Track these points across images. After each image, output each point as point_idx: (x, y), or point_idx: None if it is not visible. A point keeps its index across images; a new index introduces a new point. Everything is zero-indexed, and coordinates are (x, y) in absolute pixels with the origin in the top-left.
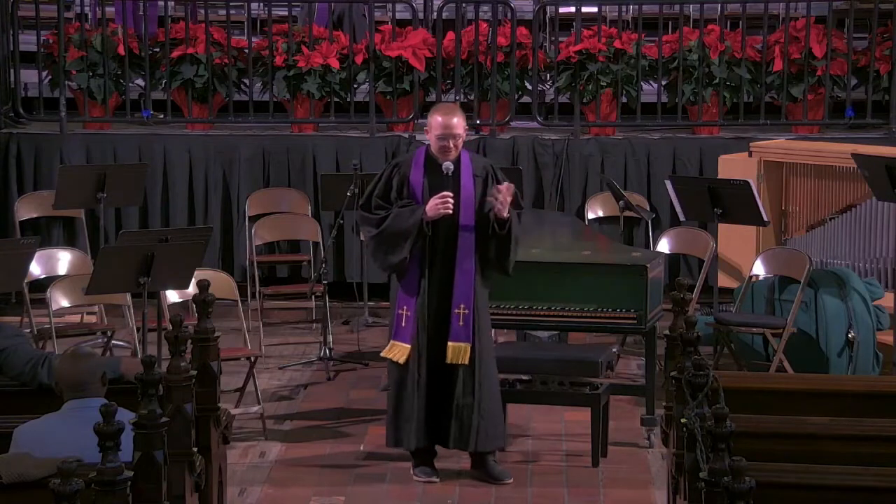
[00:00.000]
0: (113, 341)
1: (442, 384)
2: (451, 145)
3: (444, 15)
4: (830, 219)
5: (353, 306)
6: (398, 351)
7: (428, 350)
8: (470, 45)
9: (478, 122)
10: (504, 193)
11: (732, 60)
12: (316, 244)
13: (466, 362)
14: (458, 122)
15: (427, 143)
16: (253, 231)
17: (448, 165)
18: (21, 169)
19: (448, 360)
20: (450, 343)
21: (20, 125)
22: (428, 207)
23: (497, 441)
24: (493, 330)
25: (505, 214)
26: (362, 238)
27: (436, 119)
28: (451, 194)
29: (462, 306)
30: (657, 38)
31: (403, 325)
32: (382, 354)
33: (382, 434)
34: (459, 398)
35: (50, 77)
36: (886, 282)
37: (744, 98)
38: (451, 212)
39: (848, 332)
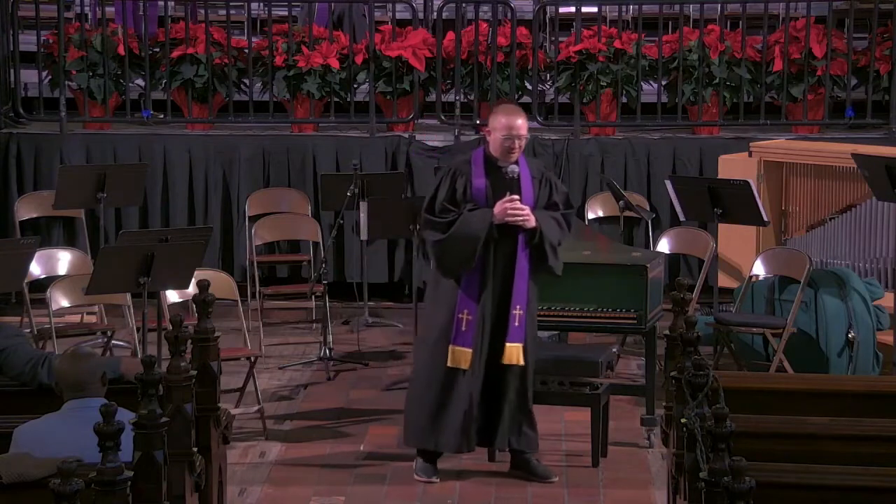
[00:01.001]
0: (113, 341)
1: (492, 385)
2: (516, 146)
3: (444, 15)
4: (830, 219)
5: (353, 306)
6: (461, 356)
7: (486, 352)
8: (470, 45)
9: (478, 122)
10: (515, 208)
11: (732, 60)
12: (316, 244)
13: (522, 362)
14: (523, 123)
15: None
16: (253, 231)
17: (513, 169)
18: (21, 169)
19: (505, 361)
20: (508, 344)
21: (20, 125)
22: (497, 211)
23: (537, 441)
24: None
25: (530, 225)
26: (431, 238)
27: (500, 119)
28: (517, 197)
29: (518, 307)
30: (657, 38)
31: (464, 329)
32: (449, 364)
33: (382, 434)
34: (510, 398)
35: (50, 77)
36: (886, 282)
37: (744, 98)
38: (519, 220)
39: (848, 332)
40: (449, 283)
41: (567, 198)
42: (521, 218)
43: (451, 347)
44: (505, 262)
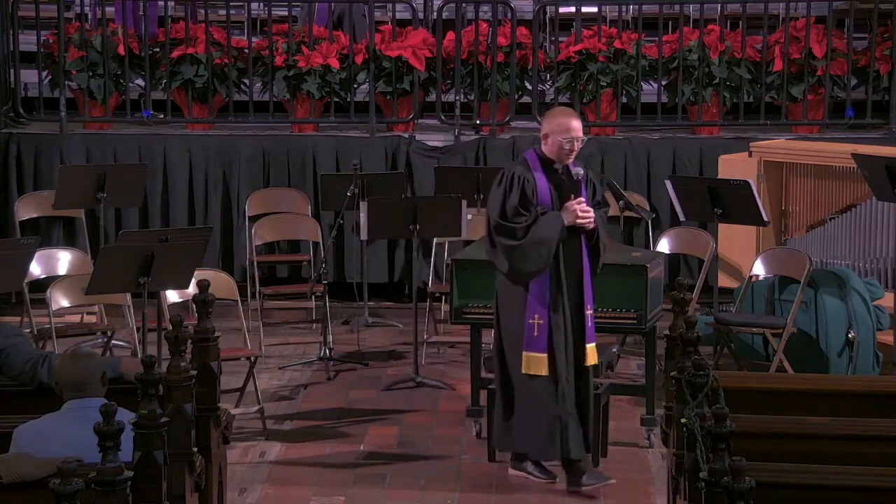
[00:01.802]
0: (113, 341)
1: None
2: (575, 148)
3: (444, 15)
4: (830, 219)
5: (353, 306)
6: (536, 362)
7: (568, 355)
8: (470, 45)
9: (478, 122)
10: (584, 210)
11: (732, 60)
12: (316, 244)
13: (596, 362)
14: (580, 125)
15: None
16: (253, 231)
17: (579, 171)
18: (21, 169)
19: (588, 363)
20: (588, 345)
21: (20, 125)
22: (566, 214)
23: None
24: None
25: (592, 226)
26: (506, 244)
27: (559, 122)
28: (584, 200)
29: (589, 308)
30: (657, 38)
31: (536, 334)
32: (523, 371)
33: (382, 434)
34: (586, 401)
35: (50, 77)
36: (886, 282)
37: (744, 98)
38: (592, 221)
39: (848, 332)
40: (518, 289)
41: (604, 196)
42: (588, 220)
43: (524, 354)
44: (573, 264)
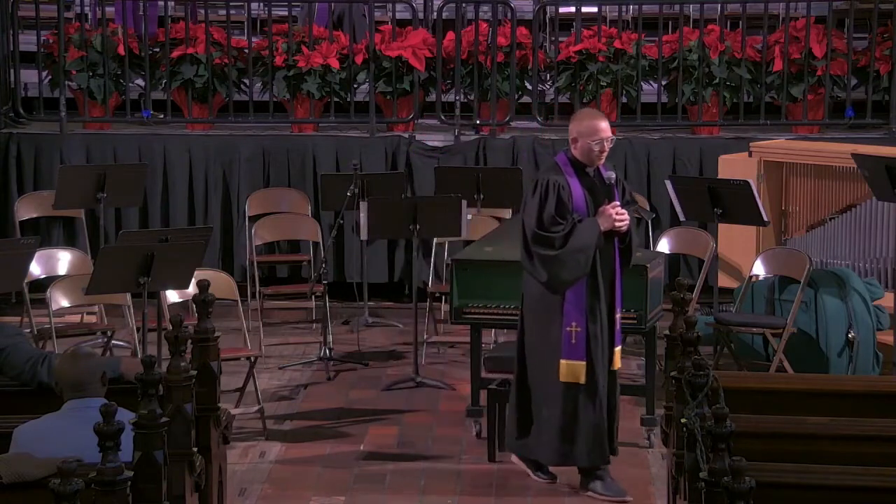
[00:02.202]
0: (113, 341)
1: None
2: (606, 149)
3: (444, 15)
4: (830, 219)
5: (353, 306)
6: (575, 370)
7: (605, 362)
8: (470, 45)
9: (478, 122)
10: (619, 214)
11: (732, 60)
12: (316, 244)
13: (620, 365)
14: (608, 126)
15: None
16: (253, 231)
17: (611, 175)
18: (21, 169)
19: (615, 367)
20: (616, 349)
21: (20, 125)
22: (603, 219)
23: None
24: (493, 330)
25: (626, 229)
26: (544, 254)
27: (589, 125)
28: (619, 203)
29: (618, 311)
30: (657, 38)
31: (574, 342)
32: (562, 379)
33: (382, 434)
34: (614, 405)
35: (50, 77)
36: (886, 282)
37: (744, 98)
38: (625, 225)
39: (848, 332)
40: (551, 297)
41: (632, 195)
42: (625, 223)
43: (562, 362)
44: (608, 268)
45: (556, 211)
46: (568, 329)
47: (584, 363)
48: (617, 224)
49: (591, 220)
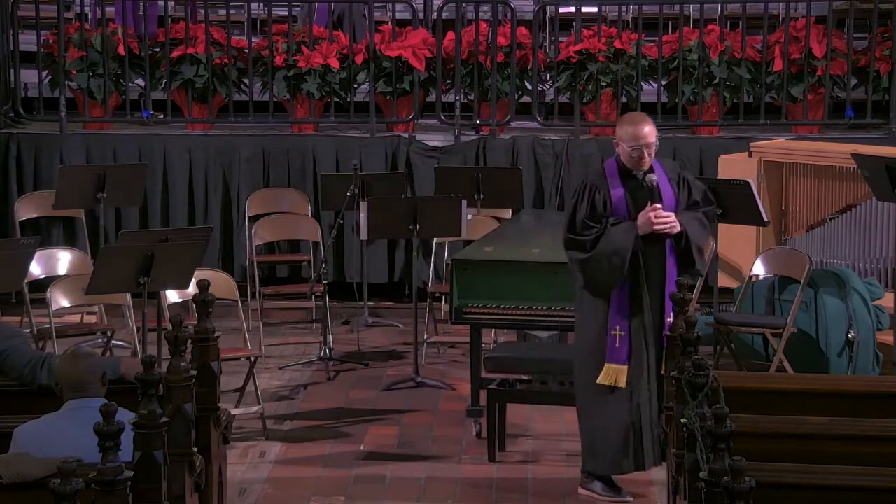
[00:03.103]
0: (113, 341)
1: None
2: (645, 155)
3: (444, 15)
4: (830, 219)
5: (353, 306)
6: (616, 373)
7: (650, 366)
8: (470, 45)
9: (478, 122)
10: (660, 216)
11: (732, 60)
12: (316, 244)
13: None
14: (651, 131)
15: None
16: (253, 231)
17: (651, 177)
18: (21, 169)
19: (664, 372)
20: (665, 354)
21: (20, 125)
22: (641, 222)
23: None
24: (493, 330)
25: (676, 231)
26: (576, 258)
27: (627, 130)
28: (660, 206)
29: (669, 315)
30: (657, 38)
31: (618, 345)
32: (599, 381)
33: (382, 434)
34: (661, 410)
35: (50, 77)
36: (886, 282)
37: (744, 98)
38: (674, 226)
39: (848, 332)
40: (598, 299)
41: (706, 193)
42: (667, 226)
43: (606, 366)
44: (656, 272)
45: (587, 214)
46: (612, 333)
47: (625, 367)
48: (655, 227)
49: (628, 223)
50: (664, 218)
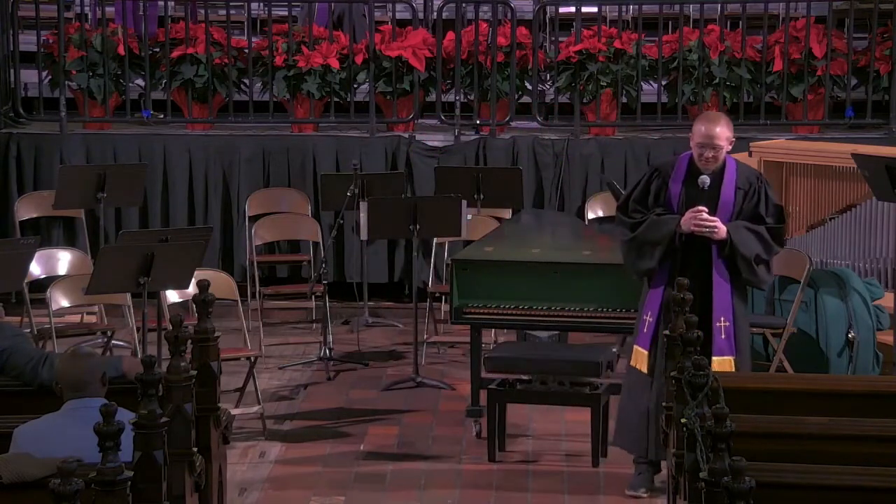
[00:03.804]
0: (113, 341)
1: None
2: (711, 155)
3: (444, 15)
4: (830, 219)
5: (353, 306)
6: (639, 356)
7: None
8: (470, 45)
9: (478, 122)
10: (701, 219)
11: (732, 60)
12: (316, 244)
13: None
14: (721, 132)
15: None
16: (253, 231)
17: (704, 179)
18: (21, 169)
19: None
20: (714, 358)
21: (20, 125)
22: (683, 220)
23: None
24: (493, 330)
25: (719, 237)
26: (620, 237)
27: (698, 127)
28: (703, 209)
29: (723, 319)
30: (657, 38)
31: (645, 330)
32: (631, 363)
33: (382, 434)
34: None
35: (50, 77)
36: (886, 282)
37: (744, 98)
38: (706, 231)
39: (848, 332)
40: (644, 283)
41: (779, 212)
42: (706, 229)
43: (634, 347)
44: (698, 271)
45: (638, 197)
46: (645, 317)
47: (646, 353)
48: (694, 228)
49: (673, 217)
50: (705, 221)
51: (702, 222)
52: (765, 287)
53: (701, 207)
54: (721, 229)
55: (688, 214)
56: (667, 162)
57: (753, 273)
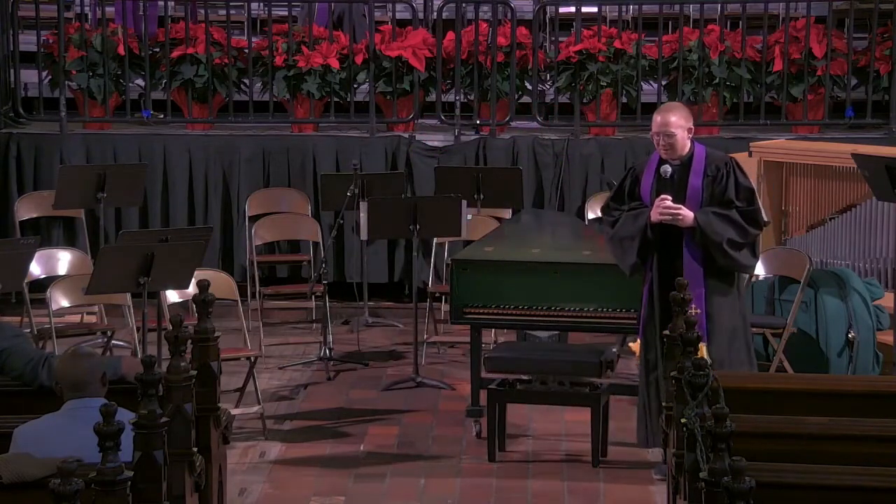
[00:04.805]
0: (113, 341)
1: None
2: (666, 143)
3: (444, 15)
4: (830, 219)
5: (353, 306)
6: (636, 348)
7: (658, 350)
8: (470, 45)
9: (478, 122)
10: (662, 207)
11: (732, 60)
12: (316, 244)
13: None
14: (674, 121)
15: None
16: (253, 231)
17: (666, 169)
18: (21, 169)
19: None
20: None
21: (20, 125)
22: (651, 212)
23: None
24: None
25: (685, 224)
26: (605, 232)
27: (654, 118)
28: (667, 197)
29: (693, 306)
30: (657, 38)
31: (639, 322)
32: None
33: (382, 434)
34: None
35: (50, 77)
36: (886, 282)
37: (744, 98)
38: (669, 219)
39: (848, 332)
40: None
41: (750, 195)
42: (670, 217)
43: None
44: (671, 261)
45: (614, 197)
46: (641, 311)
47: (637, 344)
48: (659, 217)
49: (642, 210)
50: (668, 209)
51: (665, 210)
52: (750, 271)
53: (664, 196)
54: (686, 215)
55: (654, 204)
56: (643, 160)
57: (729, 258)
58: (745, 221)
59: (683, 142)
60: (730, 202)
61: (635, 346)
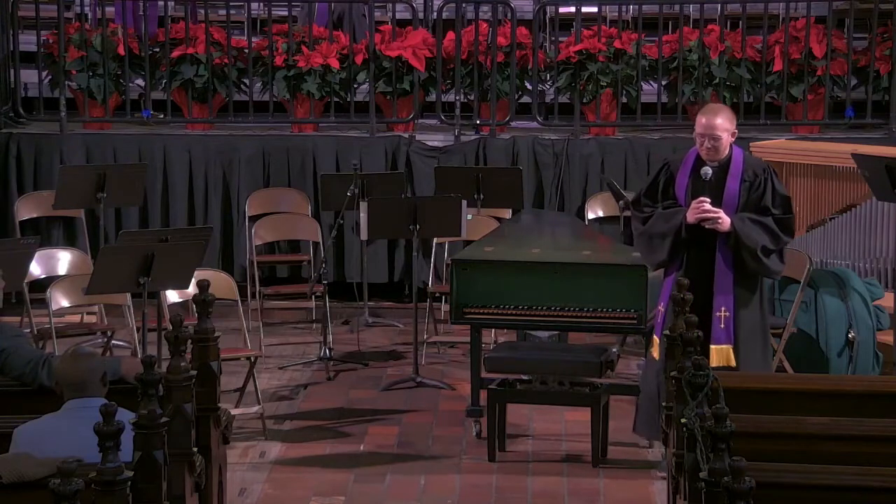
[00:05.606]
0: (113, 341)
1: None
2: (710, 146)
3: (444, 15)
4: (830, 219)
5: (353, 306)
6: (654, 344)
7: None
8: (470, 45)
9: (478, 122)
10: (700, 210)
11: (732, 60)
12: (316, 244)
13: (734, 364)
14: (720, 124)
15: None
16: (253, 231)
17: (706, 171)
18: (21, 169)
19: (711, 364)
20: (711, 346)
21: (20, 125)
22: (688, 212)
23: None
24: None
25: (723, 228)
26: (633, 231)
27: (699, 119)
28: (706, 199)
29: (723, 309)
30: (657, 38)
31: (659, 320)
32: (650, 353)
33: (382, 434)
34: None
35: (50, 77)
36: (886, 282)
37: (744, 98)
38: (719, 223)
39: (848, 332)
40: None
41: (786, 203)
42: (709, 220)
43: (654, 337)
44: (701, 263)
45: (647, 193)
46: (659, 308)
47: (657, 341)
48: (696, 218)
49: (680, 209)
50: (706, 213)
51: (703, 214)
52: (777, 277)
53: (703, 199)
54: (724, 220)
55: (692, 206)
56: (678, 156)
57: (760, 263)
58: (779, 229)
59: (727, 145)
60: (766, 209)
61: (653, 342)
